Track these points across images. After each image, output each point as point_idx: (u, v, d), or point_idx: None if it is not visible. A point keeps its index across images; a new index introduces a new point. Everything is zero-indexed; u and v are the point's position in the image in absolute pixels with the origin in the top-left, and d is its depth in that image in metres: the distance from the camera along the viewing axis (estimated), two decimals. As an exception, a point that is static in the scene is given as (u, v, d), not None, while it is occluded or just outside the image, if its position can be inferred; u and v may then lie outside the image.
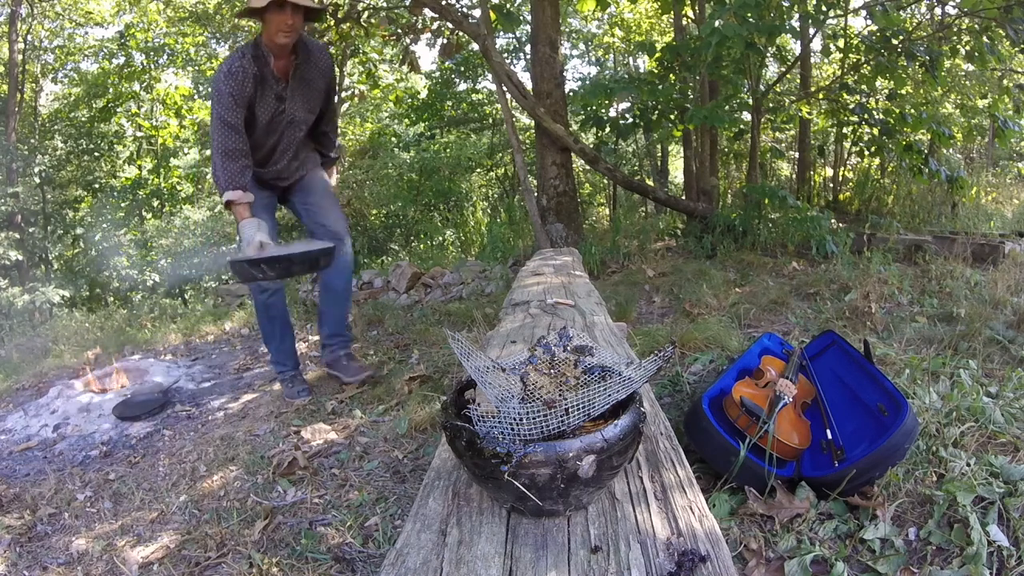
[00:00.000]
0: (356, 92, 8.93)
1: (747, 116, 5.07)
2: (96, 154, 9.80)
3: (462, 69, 8.83)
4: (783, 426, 1.54)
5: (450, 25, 4.89)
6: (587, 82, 5.43)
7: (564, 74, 5.08)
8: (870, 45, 4.51)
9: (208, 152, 10.32)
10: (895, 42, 4.33)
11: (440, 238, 7.02)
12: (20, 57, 9.40)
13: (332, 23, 5.10)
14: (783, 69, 5.56)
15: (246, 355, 3.45)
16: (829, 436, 1.53)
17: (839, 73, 5.52)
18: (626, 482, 0.86)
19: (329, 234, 2.38)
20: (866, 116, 4.96)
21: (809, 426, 1.61)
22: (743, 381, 1.76)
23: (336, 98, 2.60)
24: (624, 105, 7.90)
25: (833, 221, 4.57)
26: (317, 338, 3.70)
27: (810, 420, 1.65)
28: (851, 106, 5.11)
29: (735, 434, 1.54)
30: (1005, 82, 5.54)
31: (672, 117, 5.24)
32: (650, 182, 8.62)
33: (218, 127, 2.11)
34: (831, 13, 4.64)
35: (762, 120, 5.36)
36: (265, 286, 2.40)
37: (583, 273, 2.83)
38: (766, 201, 4.55)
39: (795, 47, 6.91)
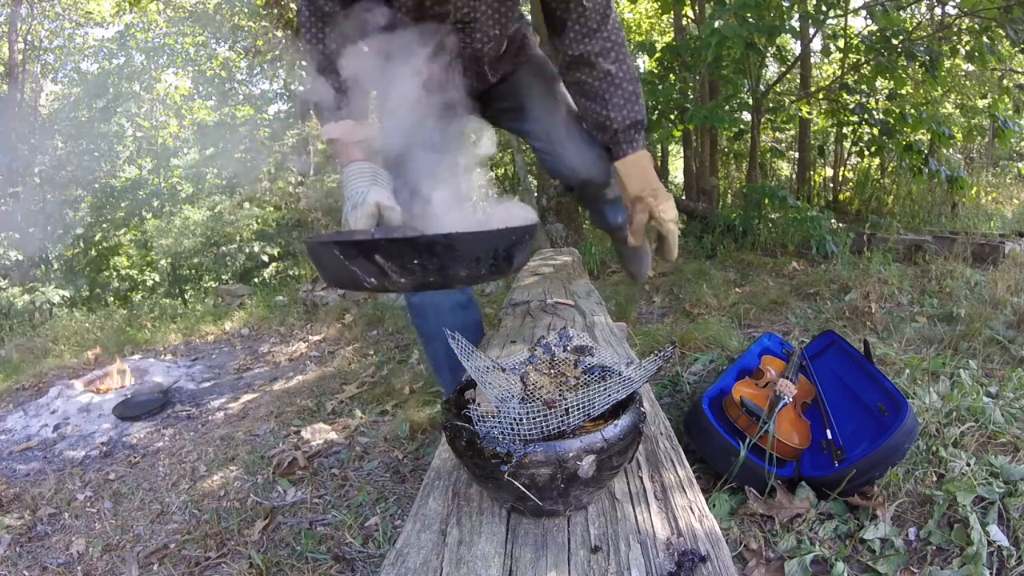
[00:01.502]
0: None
1: (747, 116, 5.07)
2: (96, 154, 9.80)
3: (462, 69, 8.82)
4: (783, 426, 1.54)
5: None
6: (587, 82, 5.42)
7: (564, 74, 5.07)
8: (870, 45, 4.51)
9: (209, 152, 10.28)
10: (895, 42, 4.33)
11: (440, 238, 7.01)
12: (20, 57, 9.40)
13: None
14: (783, 69, 5.56)
15: (246, 355, 3.45)
16: (829, 436, 1.53)
17: (839, 73, 5.52)
18: (626, 482, 0.86)
19: (571, 175, 1.45)
20: (866, 116, 4.96)
21: (809, 426, 1.61)
22: (743, 381, 1.76)
23: None
24: (624, 105, 7.89)
25: (833, 221, 4.57)
26: (317, 338, 3.71)
27: (810, 420, 1.65)
28: (851, 106, 5.11)
29: (735, 434, 1.54)
30: (1005, 82, 5.54)
31: (672, 117, 5.24)
32: (650, 182, 8.59)
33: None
34: (831, 13, 4.64)
35: (762, 120, 5.36)
36: (452, 297, 1.37)
37: (583, 273, 2.82)
38: (766, 201, 4.55)
39: (795, 47, 6.90)
